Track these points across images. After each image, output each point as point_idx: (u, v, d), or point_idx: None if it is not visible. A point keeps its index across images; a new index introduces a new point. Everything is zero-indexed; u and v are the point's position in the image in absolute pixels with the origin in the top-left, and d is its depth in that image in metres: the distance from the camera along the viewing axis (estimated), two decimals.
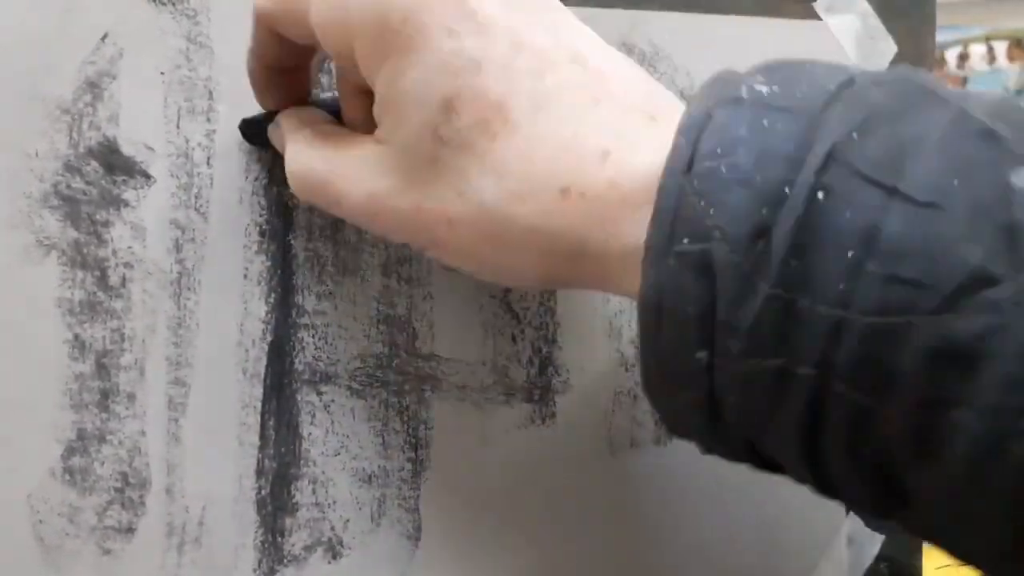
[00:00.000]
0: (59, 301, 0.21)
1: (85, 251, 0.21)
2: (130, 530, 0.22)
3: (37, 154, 0.21)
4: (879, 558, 0.27)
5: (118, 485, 0.22)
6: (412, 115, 0.17)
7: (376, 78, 0.17)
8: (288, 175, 0.20)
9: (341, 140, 0.19)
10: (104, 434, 0.21)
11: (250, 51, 0.20)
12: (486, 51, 0.16)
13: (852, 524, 0.27)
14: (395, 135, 0.17)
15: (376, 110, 0.18)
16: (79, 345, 0.21)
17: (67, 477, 0.21)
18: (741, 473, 0.26)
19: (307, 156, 0.19)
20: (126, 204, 0.22)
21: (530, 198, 0.16)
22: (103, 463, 0.21)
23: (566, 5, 0.24)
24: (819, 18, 0.26)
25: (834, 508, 0.27)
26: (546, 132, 0.16)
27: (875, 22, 0.26)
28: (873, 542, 0.27)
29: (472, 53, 0.16)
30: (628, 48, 0.25)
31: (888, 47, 0.27)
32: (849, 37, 0.26)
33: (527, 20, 0.17)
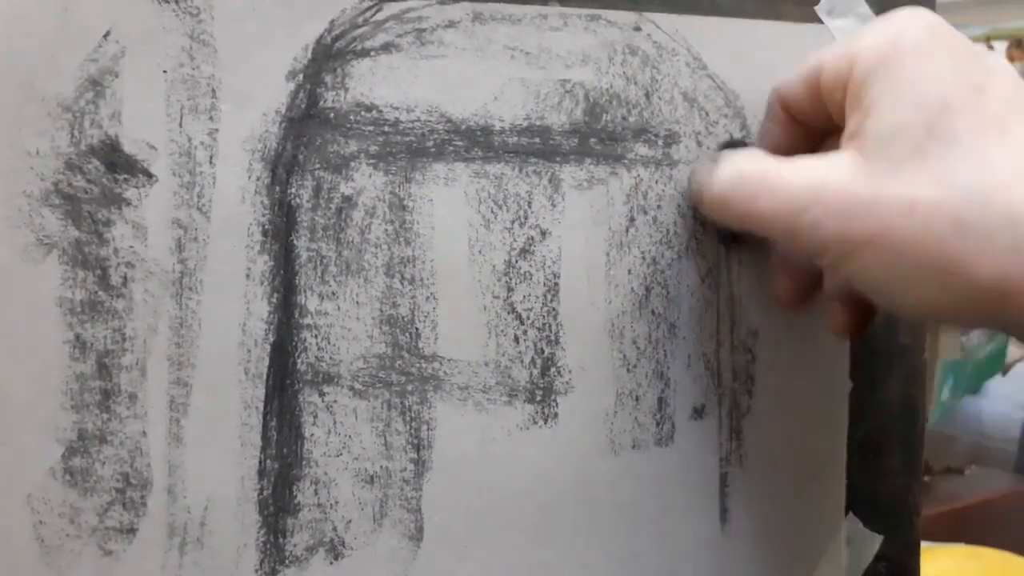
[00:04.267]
0: (60, 301, 0.21)
1: (86, 250, 0.21)
2: (131, 531, 0.21)
3: (38, 152, 0.21)
4: (878, 558, 0.28)
5: (119, 486, 0.21)
6: (907, 111, 0.18)
7: (870, 87, 0.19)
8: (715, 180, 0.21)
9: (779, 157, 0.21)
10: (105, 434, 0.21)
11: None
12: (989, 83, 0.19)
13: (852, 524, 0.27)
14: (876, 127, 0.19)
15: (853, 114, 0.19)
16: (80, 345, 0.21)
17: (68, 478, 0.21)
18: (741, 474, 0.26)
19: (741, 159, 0.21)
20: (128, 203, 0.21)
21: (1016, 187, 0.17)
22: (104, 463, 0.21)
23: (569, 6, 0.24)
24: (820, 21, 0.26)
25: (834, 508, 0.27)
26: None
27: None
28: (872, 542, 0.27)
29: (976, 79, 0.18)
30: (632, 50, 0.25)
31: None
32: None
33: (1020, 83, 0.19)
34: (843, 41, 0.21)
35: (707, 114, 0.25)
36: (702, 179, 0.23)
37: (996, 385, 0.83)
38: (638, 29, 0.25)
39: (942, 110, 0.18)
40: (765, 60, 0.25)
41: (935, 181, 0.17)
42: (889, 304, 0.20)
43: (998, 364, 0.80)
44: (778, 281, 0.25)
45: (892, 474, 0.28)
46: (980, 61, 0.19)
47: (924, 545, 0.28)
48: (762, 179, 0.20)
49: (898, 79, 0.19)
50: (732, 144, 0.25)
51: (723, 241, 0.25)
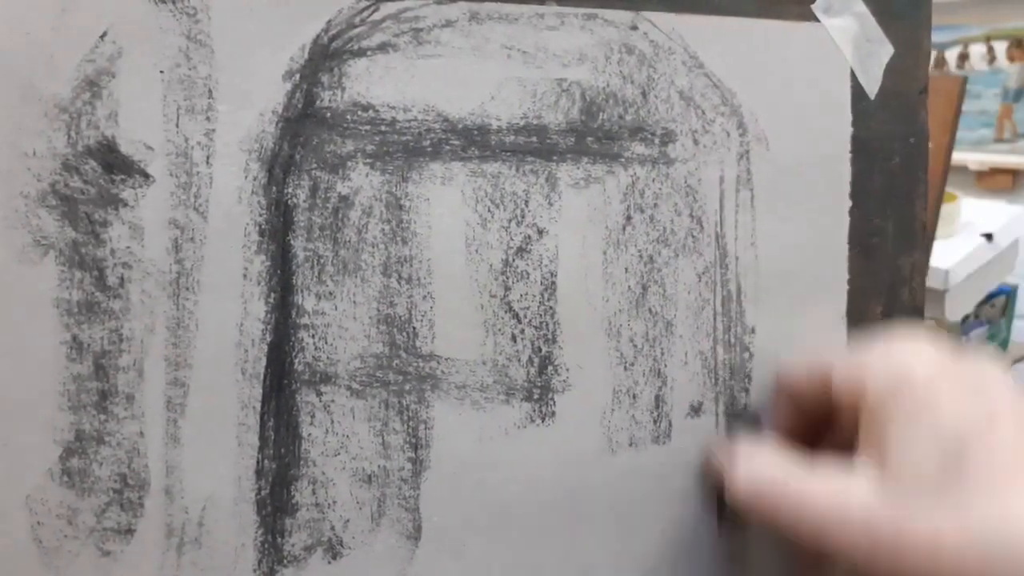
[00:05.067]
0: (57, 301, 0.21)
1: (83, 251, 0.21)
2: (129, 531, 0.21)
3: (35, 153, 0.21)
4: None
5: (117, 486, 0.21)
6: (925, 450, 0.19)
7: (886, 419, 0.20)
8: (736, 485, 0.22)
9: (797, 459, 0.21)
10: (102, 435, 0.21)
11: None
12: (999, 411, 0.19)
13: None
14: (896, 462, 0.19)
15: (868, 435, 0.20)
16: (77, 346, 0.21)
17: (65, 478, 0.21)
18: None
19: (760, 463, 0.22)
20: (124, 203, 0.21)
21: None
22: (102, 464, 0.21)
23: (565, 5, 0.24)
24: (817, 20, 0.26)
25: None
26: None
27: (872, 24, 0.27)
28: None
29: (989, 410, 0.19)
30: (629, 48, 0.25)
31: (885, 49, 0.27)
32: (846, 39, 0.26)
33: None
34: (852, 352, 0.22)
35: (703, 112, 0.25)
36: (722, 473, 0.23)
37: None
38: (635, 28, 0.25)
39: (958, 448, 0.19)
40: (762, 59, 0.26)
41: (957, 520, 0.18)
42: None
43: None
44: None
45: None
46: (987, 390, 0.20)
47: None
48: (783, 493, 0.21)
49: (912, 418, 0.20)
50: (743, 417, 0.25)
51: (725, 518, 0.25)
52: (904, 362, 0.21)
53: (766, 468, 0.22)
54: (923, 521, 0.18)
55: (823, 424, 0.24)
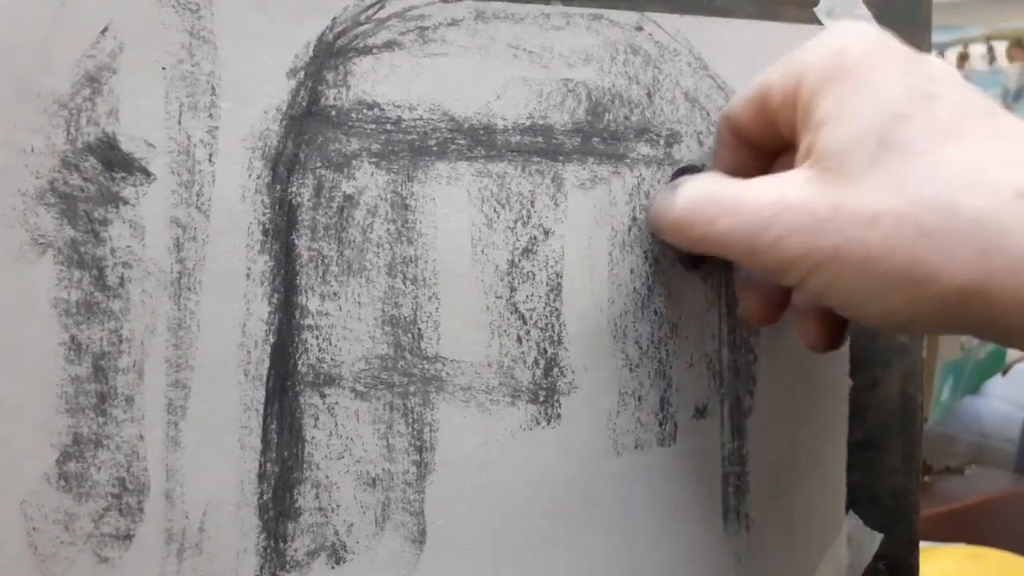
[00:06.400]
0: (55, 301, 0.21)
1: (82, 250, 0.21)
2: (128, 537, 0.21)
3: (33, 150, 0.20)
4: (878, 556, 0.28)
5: (115, 491, 0.21)
6: (859, 123, 0.18)
7: (819, 102, 0.19)
8: (675, 204, 0.21)
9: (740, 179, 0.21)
10: (101, 438, 0.21)
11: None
12: (938, 91, 0.18)
13: (852, 522, 0.27)
14: (829, 141, 0.18)
15: (805, 131, 0.19)
16: (75, 347, 0.21)
17: (62, 483, 0.21)
18: (744, 473, 0.26)
19: (700, 182, 0.21)
20: (125, 202, 0.21)
21: (979, 192, 0.17)
22: (100, 468, 0.21)
23: (571, 6, 0.24)
24: (820, 23, 0.27)
25: (835, 506, 0.27)
26: (997, 145, 0.17)
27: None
28: (872, 540, 0.28)
29: (925, 87, 0.18)
30: (634, 49, 0.25)
31: None
32: None
33: (966, 89, 0.19)
34: (788, 59, 0.21)
35: (708, 114, 0.25)
36: (661, 204, 0.23)
37: (996, 385, 0.83)
38: (640, 29, 0.25)
39: (894, 119, 0.18)
40: (766, 61, 0.25)
41: (894, 191, 0.17)
42: (858, 317, 0.20)
43: (998, 364, 0.81)
44: (746, 300, 0.24)
45: (891, 472, 0.28)
46: (927, 70, 0.19)
47: (924, 545, 0.28)
48: (721, 200, 0.20)
49: (847, 92, 0.19)
50: (689, 169, 0.25)
51: (684, 264, 0.25)
52: (841, 44, 0.19)
53: (704, 184, 0.21)
54: (860, 196, 0.17)
55: (773, 161, 0.23)
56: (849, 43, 0.19)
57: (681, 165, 0.25)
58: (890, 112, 0.18)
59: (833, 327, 0.23)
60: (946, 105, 0.18)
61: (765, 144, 0.22)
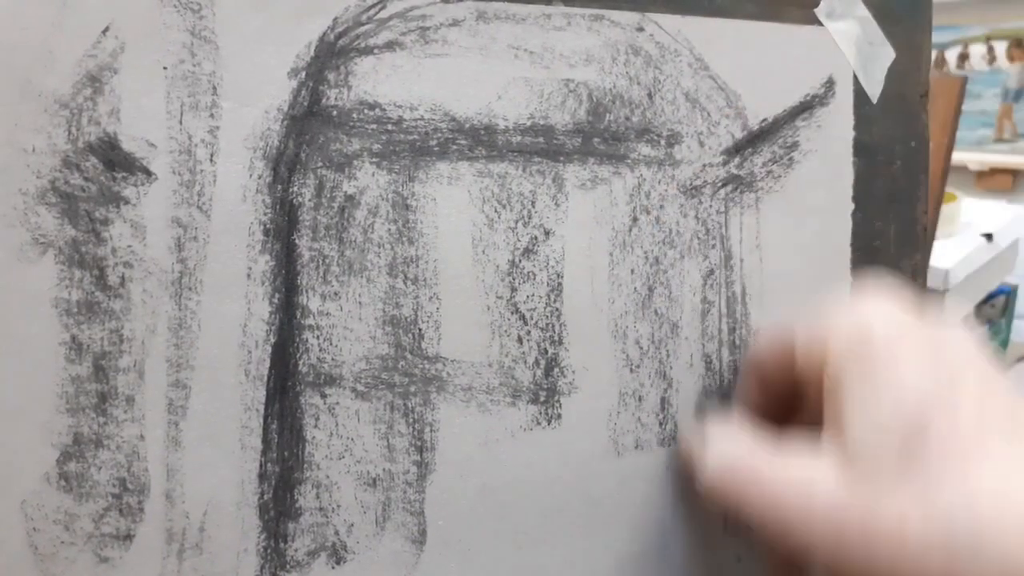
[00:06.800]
0: (56, 301, 0.21)
1: (83, 250, 0.21)
2: (128, 537, 0.21)
3: (34, 149, 0.20)
4: None
5: (116, 491, 0.21)
6: (885, 419, 0.18)
7: (846, 385, 0.20)
8: (706, 470, 0.21)
9: (766, 439, 0.21)
10: (101, 438, 0.21)
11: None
12: (962, 384, 0.18)
13: None
14: (856, 433, 0.19)
15: (831, 407, 0.20)
16: (76, 347, 0.21)
17: (63, 483, 0.21)
18: None
19: (728, 447, 0.21)
20: (126, 201, 0.21)
21: (1007, 498, 0.17)
22: (100, 468, 0.21)
23: (572, 6, 0.24)
24: (820, 23, 0.27)
25: None
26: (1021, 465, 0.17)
27: (874, 28, 0.27)
28: None
29: (951, 380, 0.19)
30: (635, 50, 0.25)
31: (887, 53, 0.27)
32: (849, 42, 0.27)
33: (987, 379, 0.19)
34: (814, 328, 0.21)
35: (709, 114, 0.25)
36: (694, 460, 0.23)
37: None
38: (641, 29, 0.25)
39: (920, 420, 0.18)
40: (766, 61, 0.26)
41: (922, 512, 0.17)
42: None
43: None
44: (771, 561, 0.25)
45: None
46: (949, 357, 0.19)
47: None
48: (749, 477, 0.20)
49: (871, 382, 0.19)
50: (713, 395, 0.25)
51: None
52: (864, 323, 0.20)
53: (732, 451, 0.21)
54: (887, 510, 0.18)
55: (794, 399, 0.23)
56: (872, 325, 0.20)
57: (707, 391, 0.25)
58: (916, 409, 0.18)
59: None
60: (971, 394, 0.18)
61: (786, 387, 0.23)
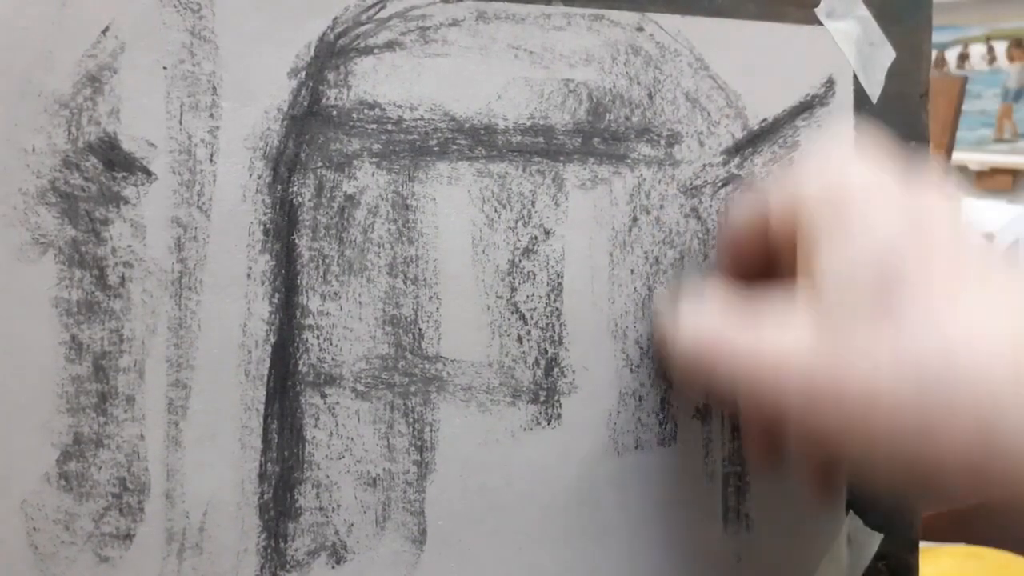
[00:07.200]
0: (56, 301, 0.21)
1: (83, 249, 0.21)
2: (128, 537, 0.21)
3: (34, 149, 0.20)
4: (878, 556, 0.28)
5: (116, 490, 0.21)
6: (858, 261, 0.18)
7: (818, 234, 0.19)
8: (677, 345, 0.21)
9: (740, 309, 0.20)
10: (101, 438, 0.21)
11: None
12: (933, 228, 0.18)
13: (852, 524, 0.27)
14: (833, 275, 0.18)
15: (805, 255, 0.19)
16: (76, 346, 0.21)
17: (63, 483, 0.21)
18: (744, 474, 0.26)
19: (699, 318, 0.21)
20: (126, 201, 0.21)
21: (981, 343, 0.16)
22: (100, 468, 0.21)
23: (572, 6, 0.24)
24: (820, 23, 0.27)
25: (835, 506, 0.27)
26: (997, 299, 0.17)
27: (874, 27, 0.27)
28: (872, 541, 0.28)
29: (921, 225, 0.18)
30: (635, 50, 0.25)
31: (887, 53, 0.27)
32: (849, 42, 0.27)
33: (960, 228, 0.19)
34: (784, 182, 0.21)
35: (709, 114, 0.25)
36: (664, 334, 0.23)
37: None
38: (641, 29, 0.25)
39: (894, 268, 0.18)
40: (766, 61, 0.26)
41: (894, 362, 0.17)
42: (858, 479, 0.20)
43: None
44: (748, 442, 0.25)
45: None
46: (920, 204, 0.19)
47: (924, 545, 0.28)
48: (723, 349, 0.20)
49: (847, 232, 0.19)
50: (687, 269, 0.25)
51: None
52: (838, 173, 0.20)
53: (704, 322, 0.21)
54: (860, 362, 0.17)
55: (771, 269, 0.23)
56: (848, 174, 0.20)
57: (684, 270, 0.25)
58: (890, 257, 0.18)
59: (828, 476, 0.23)
60: (945, 244, 0.18)
61: (763, 259, 0.23)
